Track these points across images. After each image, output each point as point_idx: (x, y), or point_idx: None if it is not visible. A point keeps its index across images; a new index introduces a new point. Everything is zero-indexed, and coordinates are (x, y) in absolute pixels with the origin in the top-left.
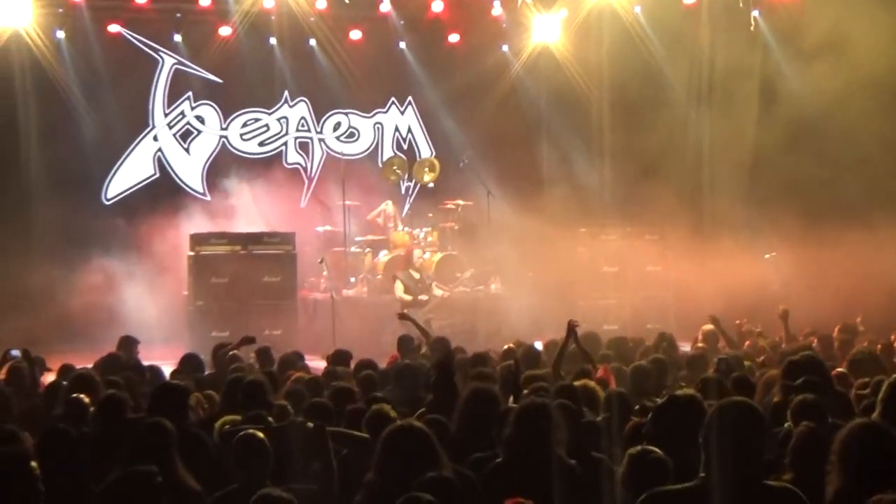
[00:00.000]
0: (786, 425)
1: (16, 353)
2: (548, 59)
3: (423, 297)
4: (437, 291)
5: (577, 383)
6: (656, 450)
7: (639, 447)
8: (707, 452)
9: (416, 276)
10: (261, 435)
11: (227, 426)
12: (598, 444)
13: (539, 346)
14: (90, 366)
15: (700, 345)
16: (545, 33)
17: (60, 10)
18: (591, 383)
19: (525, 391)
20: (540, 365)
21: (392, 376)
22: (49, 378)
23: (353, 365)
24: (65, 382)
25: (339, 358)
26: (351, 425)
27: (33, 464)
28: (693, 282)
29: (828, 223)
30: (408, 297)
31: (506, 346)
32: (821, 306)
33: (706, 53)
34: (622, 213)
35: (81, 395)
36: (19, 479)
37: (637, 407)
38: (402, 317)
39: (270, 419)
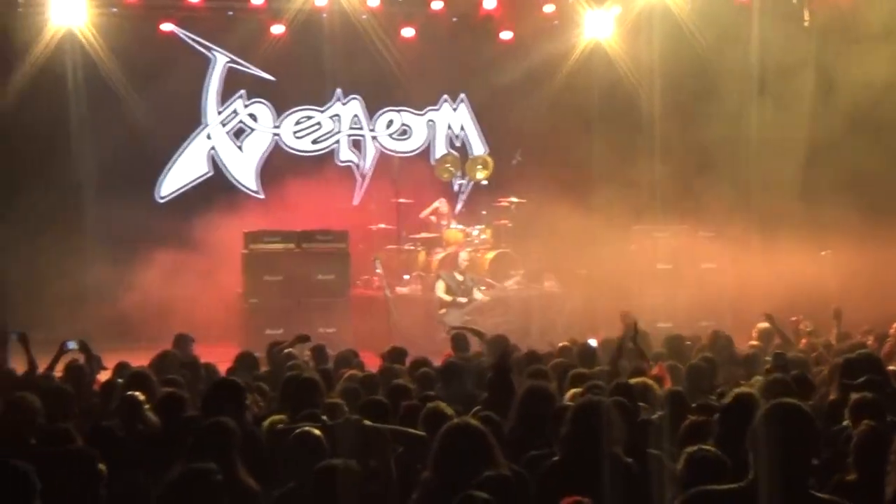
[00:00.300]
0: (844, 423)
1: (72, 345)
2: (600, 55)
3: (463, 300)
4: (478, 295)
5: (632, 381)
6: (713, 449)
7: (696, 446)
8: (754, 454)
9: (460, 277)
10: (317, 432)
11: (281, 425)
12: (655, 443)
13: (593, 343)
14: (145, 364)
15: (755, 343)
16: (597, 29)
17: (114, 10)
18: (648, 381)
19: (579, 389)
20: (596, 363)
21: (440, 374)
22: (104, 376)
23: (407, 363)
24: (120, 380)
25: (395, 355)
26: (406, 423)
27: (101, 466)
28: (748, 279)
29: (886, 218)
30: (447, 298)
31: (560, 344)
32: (879, 303)
33: (759, 47)
34: (676, 209)
35: (136, 393)
36: (86, 479)
37: (694, 405)
38: (455, 328)
39: (325, 417)
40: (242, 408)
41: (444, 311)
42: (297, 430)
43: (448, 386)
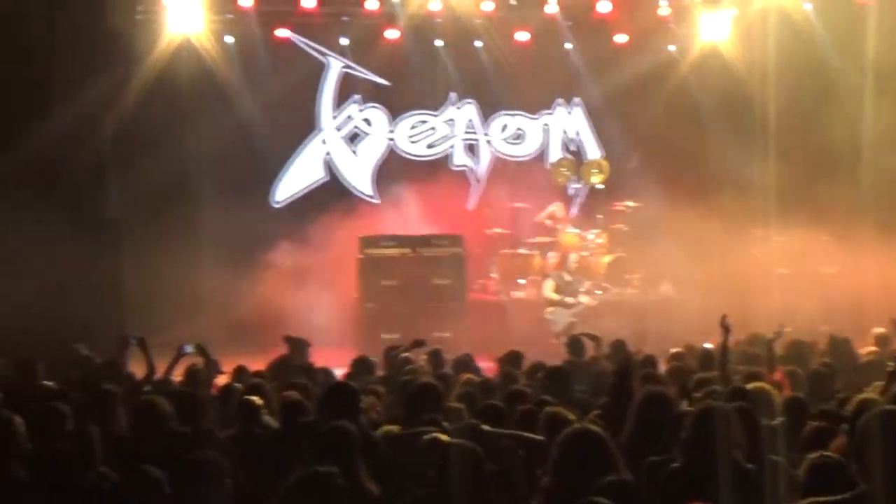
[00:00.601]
0: None
1: (189, 348)
2: (716, 58)
3: (570, 300)
4: (584, 299)
5: (750, 386)
6: (835, 455)
7: (818, 453)
8: (860, 463)
9: (568, 278)
10: (446, 438)
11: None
12: (775, 449)
13: (710, 348)
14: (262, 368)
15: (872, 348)
16: (713, 32)
17: (230, 16)
18: (767, 386)
19: (698, 395)
20: (713, 368)
21: (547, 378)
22: (222, 380)
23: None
24: (238, 385)
25: (511, 359)
26: (523, 427)
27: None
28: (869, 284)
29: None
30: (555, 297)
31: (672, 350)
32: None
33: (879, 49)
34: (795, 214)
35: (254, 398)
36: (215, 485)
37: (815, 411)
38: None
39: (445, 423)
40: (357, 412)
41: (550, 309)
42: (427, 436)
43: (554, 390)
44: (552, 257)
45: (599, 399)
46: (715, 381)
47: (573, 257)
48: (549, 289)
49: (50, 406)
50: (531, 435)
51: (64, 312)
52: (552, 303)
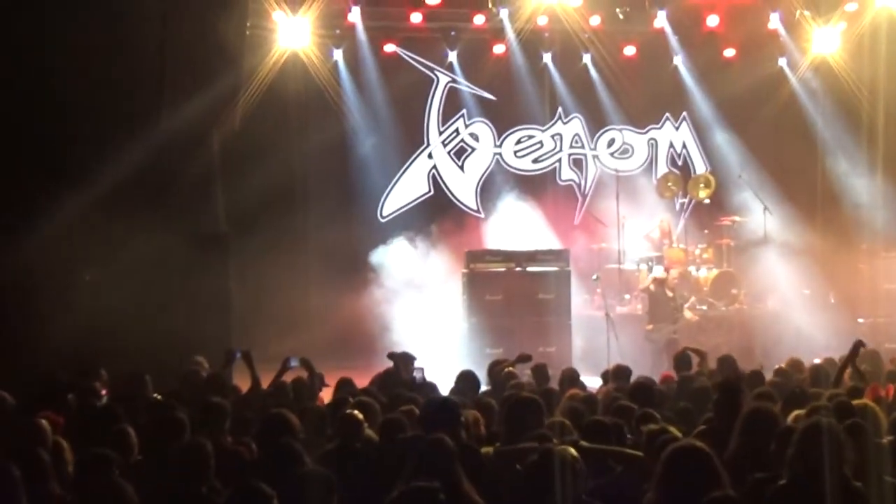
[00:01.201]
0: None
1: (294, 362)
2: (826, 72)
3: (676, 315)
4: (687, 314)
5: (855, 402)
6: None
7: None
8: None
9: (670, 294)
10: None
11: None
12: (883, 468)
13: (820, 363)
14: (366, 382)
15: None
16: (824, 45)
17: (337, 32)
18: (869, 403)
19: (803, 411)
20: (823, 383)
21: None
22: (327, 393)
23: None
24: (350, 398)
25: (619, 374)
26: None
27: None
28: None
29: None
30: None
31: (777, 366)
32: None
33: None
34: None
35: (355, 412)
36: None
37: None
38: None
39: (553, 438)
40: (459, 427)
41: (650, 326)
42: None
43: (654, 405)
44: (659, 272)
45: (703, 415)
46: (822, 397)
47: (673, 273)
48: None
49: (168, 416)
50: (629, 451)
51: (171, 325)
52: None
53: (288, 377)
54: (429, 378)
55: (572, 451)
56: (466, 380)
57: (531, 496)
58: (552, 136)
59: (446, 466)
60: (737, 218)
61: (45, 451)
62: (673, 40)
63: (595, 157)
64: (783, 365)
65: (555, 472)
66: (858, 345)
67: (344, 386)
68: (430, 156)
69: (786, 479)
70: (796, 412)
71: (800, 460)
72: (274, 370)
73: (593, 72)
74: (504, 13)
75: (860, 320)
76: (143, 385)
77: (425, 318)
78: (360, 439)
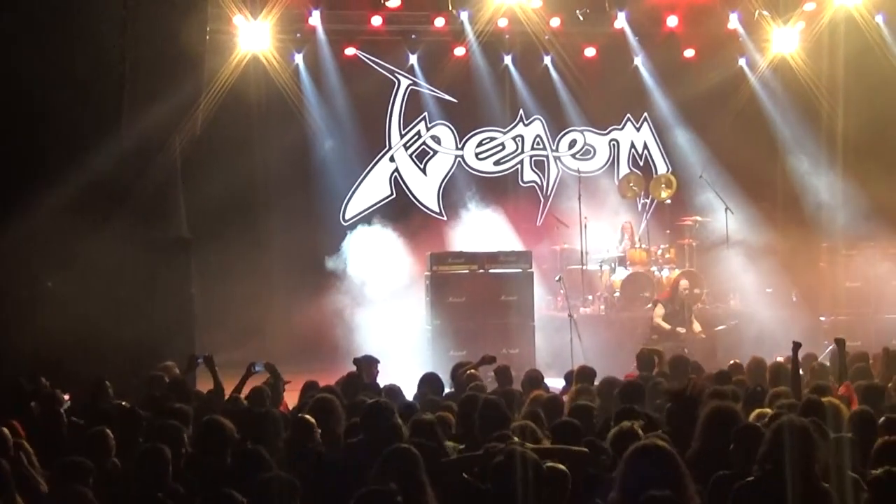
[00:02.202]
0: None
1: (259, 367)
2: (785, 71)
3: (681, 330)
4: (697, 327)
5: (823, 399)
6: None
7: (883, 468)
8: None
9: (677, 307)
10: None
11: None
12: (845, 463)
13: (781, 361)
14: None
15: None
16: (783, 45)
17: (298, 35)
18: (835, 401)
19: (767, 410)
20: (783, 382)
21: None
22: (290, 397)
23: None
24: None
25: (583, 375)
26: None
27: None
28: None
29: None
30: (666, 326)
31: (732, 361)
32: None
33: None
34: (864, 227)
35: (307, 416)
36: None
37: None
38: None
39: (517, 438)
40: (394, 432)
41: (655, 337)
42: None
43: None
44: (621, 273)
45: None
46: (787, 396)
47: (684, 283)
48: (659, 317)
49: (130, 423)
50: (572, 447)
51: (134, 331)
52: (660, 332)
53: (252, 382)
54: (393, 381)
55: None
56: (429, 383)
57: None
58: (514, 138)
59: (411, 471)
60: (698, 218)
61: (5, 459)
62: (633, 41)
63: (557, 158)
64: (736, 360)
65: (517, 473)
66: (797, 346)
67: (309, 390)
68: (391, 159)
69: (755, 475)
70: (758, 411)
71: (769, 458)
72: (238, 375)
73: (554, 73)
74: (464, 15)
75: (822, 318)
76: (105, 391)
77: (389, 321)
78: (315, 442)
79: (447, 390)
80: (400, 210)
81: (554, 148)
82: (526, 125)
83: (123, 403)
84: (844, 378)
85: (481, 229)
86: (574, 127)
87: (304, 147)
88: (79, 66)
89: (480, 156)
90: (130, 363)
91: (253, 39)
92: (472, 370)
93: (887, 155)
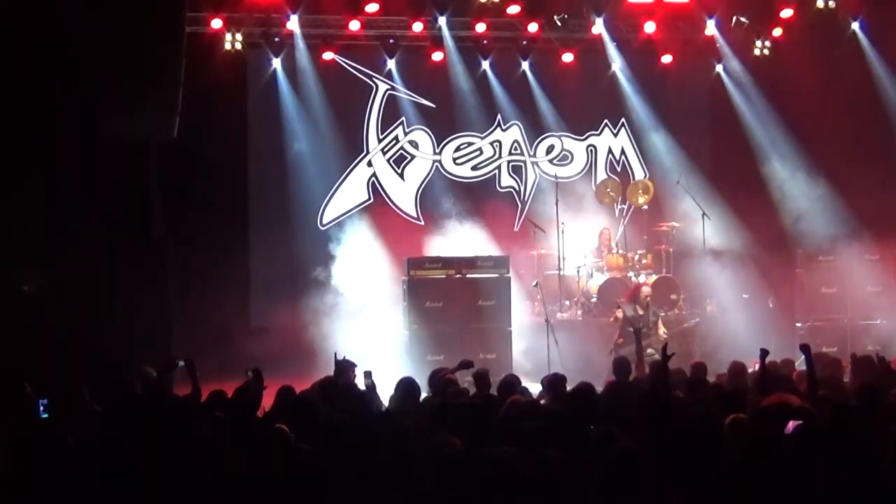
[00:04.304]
0: None
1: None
2: (763, 77)
3: (646, 331)
4: (662, 331)
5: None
6: None
7: None
8: None
9: (641, 312)
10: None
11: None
12: None
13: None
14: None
15: None
16: (760, 51)
17: (276, 40)
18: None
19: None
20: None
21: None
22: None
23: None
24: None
25: (554, 382)
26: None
27: None
28: None
29: None
30: (628, 329)
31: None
32: None
33: None
34: (841, 232)
35: (283, 427)
36: None
37: None
38: (635, 333)
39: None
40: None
41: (621, 341)
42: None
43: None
44: (598, 279)
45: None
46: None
47: (646, 290)
48: (620, 317)
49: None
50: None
51: (110, 334)
52: (624, 335)
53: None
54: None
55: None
56: (406, 388)
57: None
58: (491, 143)
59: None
60: (675, 223)
61: None
62: (611, 47)
63: (534, 163)
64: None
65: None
66: (764, 353)
67: (285, 394)
68: (369, 163)
69: None
70: (733, 416)
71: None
72: (215, 380)
73: (532, 79)
74: (442, 20)
75: (798, 324)
76: (82, 396)
77: (366, 326)
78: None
79: (424, 395)
80: (378, 215)
81: (531, 153)
82: (504, 130)
83: (97, 408)
84: (814, 384)
85: (459, 234)
86: (552, 132)
87: (282, 151)
88: (56, 65)
89: (458, 161)
90: (107, 367)
91: (231, 44)
92: (450, 375)
93: (864, 161)
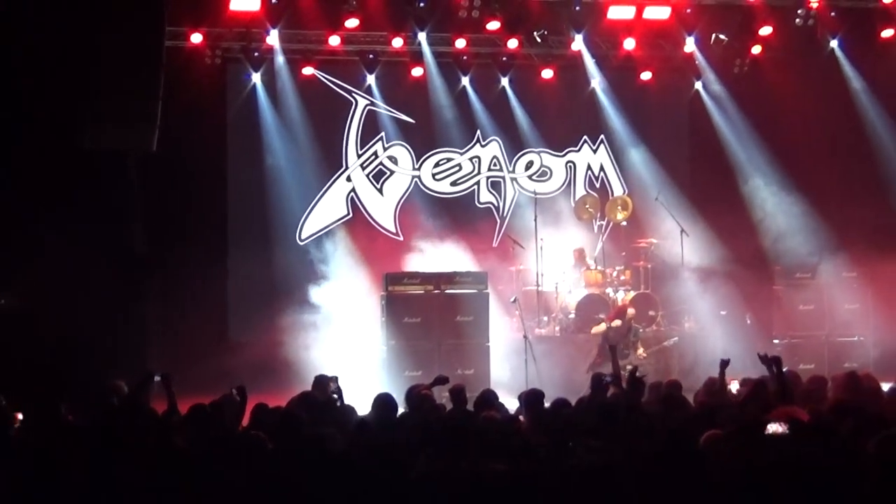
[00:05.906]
0: None
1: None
2: (741, 94)
3: (626, 352)
4: (640, 351)
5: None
6: None
7: None
8: None
9: (625, 331)
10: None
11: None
12: None
13: (735, 385)
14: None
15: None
16: (739, 68)
17: (256, 54)
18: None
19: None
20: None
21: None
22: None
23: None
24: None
25: (532, 398)
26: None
27: None
28: (893, 319)
29: None
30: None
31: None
32: None
33: None
34: (817, 249)
35: (259, 433)
36: None
37: None
38: (611, 349)
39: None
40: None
41: (599, 360)
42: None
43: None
44: (577, 294)
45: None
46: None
47: (631, 311)
48: (601, 335)
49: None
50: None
51: (87, 348)
52: (602, 353)
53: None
54: (348, 402)
55: None
56: (383, 404)
57: None
58: (471, 159)
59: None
60: (654, 240)
61: None
62: (590, 63)
63: (513, 179)
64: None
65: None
66: (724, 363)
67: (260, 412)
68: (348, 178)
69: None
70: (709, 432)
71: None
72: (192, 395)
73: (511, 95)
74: (422, 36)
75: (775, 341)
76: (57, 411)
77: (344, 341)
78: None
79: (401, 411)
80: (356, 230)
81: (510, 169)
82: (483, 146)
83: (70, 418)
84: (789, 398)
85: (438, 250)
86: (531, 148)
87: (261, 166)
88: (37, 76)
89: (437, 176)
90: (83, 381)
91: (211, 58)
92: (426, 391)
93: (842, 179)
